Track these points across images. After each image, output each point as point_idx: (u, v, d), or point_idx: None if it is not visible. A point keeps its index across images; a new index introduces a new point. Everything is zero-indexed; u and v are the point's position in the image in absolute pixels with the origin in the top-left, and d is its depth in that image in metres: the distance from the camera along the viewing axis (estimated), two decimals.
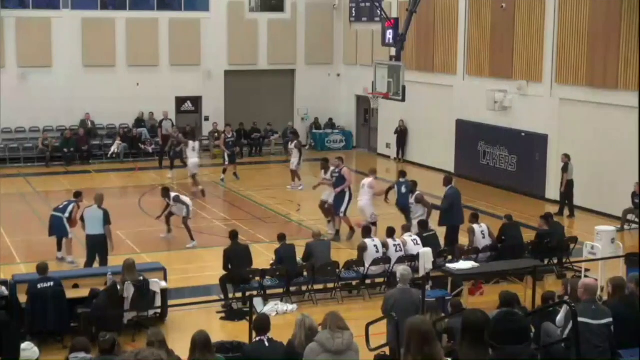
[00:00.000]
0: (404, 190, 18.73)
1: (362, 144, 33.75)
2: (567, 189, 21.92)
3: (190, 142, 24.94)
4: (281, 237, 15.82)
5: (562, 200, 22.26)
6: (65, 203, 17.35)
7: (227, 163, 26.31)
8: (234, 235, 15.54)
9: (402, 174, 19.62)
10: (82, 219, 16.32)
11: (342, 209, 19.18)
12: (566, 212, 22.09)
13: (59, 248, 17.28)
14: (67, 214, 17.00)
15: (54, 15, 30.18)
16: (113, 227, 16.26)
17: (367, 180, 19.41)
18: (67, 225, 16.97)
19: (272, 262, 15.70)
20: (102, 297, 13.10)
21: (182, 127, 29.36)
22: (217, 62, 32.21)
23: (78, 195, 17.49)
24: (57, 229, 17.13)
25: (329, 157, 21.76)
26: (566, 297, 10.07)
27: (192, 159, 24.45)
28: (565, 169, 21.91)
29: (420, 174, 28.68)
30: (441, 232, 17.52)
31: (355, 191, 19.80)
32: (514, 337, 5.04)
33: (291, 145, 26.16)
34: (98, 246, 15.96)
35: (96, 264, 15.86)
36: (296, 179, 25.31)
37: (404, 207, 18.64)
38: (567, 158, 21.94)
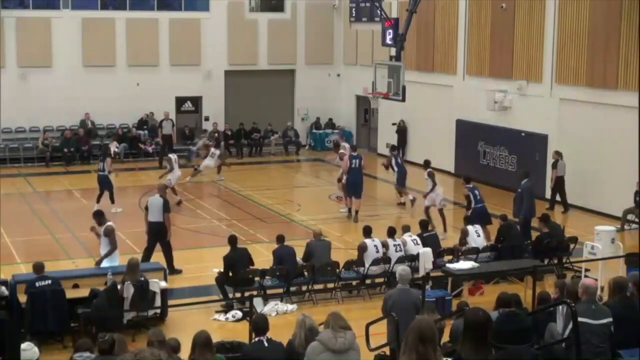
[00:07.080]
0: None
1: (362, 143, 33.67)
2: (557, 185, 22.43)
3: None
4: (280, 239, 15.76)
5: (553, 196, 22.77)
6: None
7: None
8: (232, 241, 15.42)
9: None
10: (146, 207, 16.95)
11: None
12: (560, 208, 22.49)
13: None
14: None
15: (54, 15, 30.15)
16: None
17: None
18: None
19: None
20: (102, 297, 13.10)
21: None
22: (217, 62, 32.19)
23: None
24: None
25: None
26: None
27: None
28: (554, 165, 22.47)
29: (420, 174, 28.69)
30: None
31: None
32: (517, 337, 5.05)
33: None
34: (158, 233, 16.56)
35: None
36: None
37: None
38: (558, 155, 22.41)
